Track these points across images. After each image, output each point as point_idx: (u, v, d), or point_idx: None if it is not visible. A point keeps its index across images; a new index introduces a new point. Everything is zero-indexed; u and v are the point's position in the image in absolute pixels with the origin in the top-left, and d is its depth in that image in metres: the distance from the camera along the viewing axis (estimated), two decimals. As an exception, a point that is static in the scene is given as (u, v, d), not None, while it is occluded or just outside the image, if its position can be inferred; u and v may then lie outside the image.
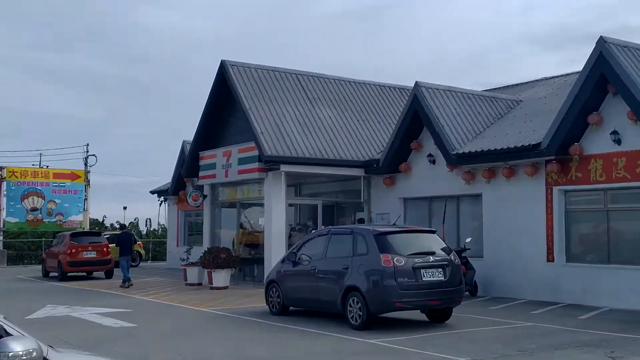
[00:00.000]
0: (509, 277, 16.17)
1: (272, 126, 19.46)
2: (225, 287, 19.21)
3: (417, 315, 12.53)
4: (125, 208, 69.29)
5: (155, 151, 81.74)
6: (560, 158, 15.01)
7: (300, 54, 69.58)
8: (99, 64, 69.55)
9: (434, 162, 18.34)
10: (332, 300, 11.95)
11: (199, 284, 20.53)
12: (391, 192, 19.78)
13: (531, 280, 15.66)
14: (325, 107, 21.23)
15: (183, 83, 78.54)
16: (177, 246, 30.82)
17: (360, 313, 11.27)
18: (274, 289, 13.57)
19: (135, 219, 42.55)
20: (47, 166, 37.80)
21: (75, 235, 24.96)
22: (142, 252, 33.18)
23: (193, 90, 79.98)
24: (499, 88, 23.55)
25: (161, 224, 42.14)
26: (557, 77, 21.36)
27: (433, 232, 12.41)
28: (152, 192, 32.84)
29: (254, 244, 21.36)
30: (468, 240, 16.45)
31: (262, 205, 20.83)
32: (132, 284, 20.43)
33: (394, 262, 11.07)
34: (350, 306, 11.48)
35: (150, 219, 39.48)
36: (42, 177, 35.10)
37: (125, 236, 21.31)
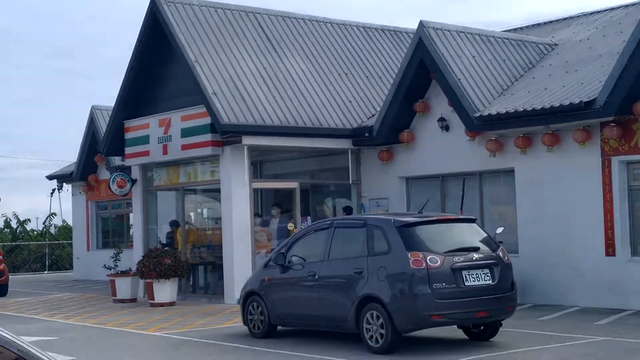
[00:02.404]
0: (554, 277, 16.37)
1: (227, 85, 19.15)
2: (172, 303, 18.97)
3: (451, 332, 12.56)
4: (-3, 200, 67.49)
5: (42, 120, 79.75)
6: (622, 119, 15.19)
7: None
8: None
9: (447, 128, 18.38)
10: (341, 315, 11.86)
11: (133, 300, 20.21)
12: (389, 169, 19.77)
13: (585, 281, 15.89)
14: (295, 58, 21.01)
15: (84, 23, 76.78)
16: (88, 250, 30.32)
17: (383, 332, 11.21)
18: (254, 304, 13.40)
19: (11, 216, 41.16)
20: None
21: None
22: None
23: (105, 34, 78.22)
24: (521, 28, 23.73)
25: (62, 220, 41.14)
26: (598, 12, 21.63)
27: (473, 220, 12.44)
28: (51, 178, 32.08)
29: (207, 245, 21.09)
30: (499, 230, 16.49)
31: (216, 191, 20.57)
32: None
33: (426, 262, 11.02)
34: (368, 323, 11.41)
35: (54, 213, 38.42)
36: None
37: None
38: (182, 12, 20.09)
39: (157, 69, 20.79)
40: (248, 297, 13.59)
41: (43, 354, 3.19)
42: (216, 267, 20.65)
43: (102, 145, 22.69)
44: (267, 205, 21.75)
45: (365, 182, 20.45)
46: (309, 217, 20.41)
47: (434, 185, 19.14)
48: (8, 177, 68.48)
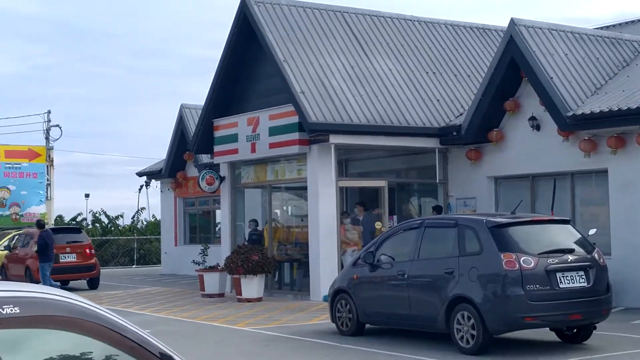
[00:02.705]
0: (648, 280, 15.94)
1: (315, 84, 19.25)
2: (259, 299, 19.17)
3: (543, 334, 12.36)
4: (87, 196, 69.24)
5: (127, 118, 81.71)
6: None
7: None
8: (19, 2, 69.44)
9: (538, 127, 18.08)
10: (431, 315, 11.81)
11: (221, 295, 20.50)
12: (477, 169, 19.56)
13: (681, 285, 15.42)
14: (383, 57, 20.97)
15: (173, 26, 78.43)
16: (176, 245, 30.85)
17: (474, 332, 11.12)
18: (343, 302, 13.44)
19: (100, 212, 42.35)
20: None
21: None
22: None
23: (194, 37, 79.71)
24: (614, 26, 23.17)
25: (152, 215, 42.10)
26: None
27: (567, 221, 12.25)
28: (141, 175, 32.77)
29: (293, 242, 21.24)
30: (592, 232, 16.14)
31: (301, 188, 20.69)
32: None
33: (520, 263, 10.88)
34: (459, 323, 11.32)
35: (142, 208, 39.36)
36: (-10, 156, 35.09)
37: (46, 236, 21.52)
38: (271, 11, 20.28)
39: (246, 68, 21.03)
40: (336, 295, 13.64)
41: (160, 343, 3.16)
42: (302, 264, 20.79)
43: (192, 143, 23.08)
44: (351, 203, 21.76)
45: (453, 181, 20.27)
46: (395, 216, 20.35)
47: (523, 186, 18.85)
48: (96, 173, 70.44)
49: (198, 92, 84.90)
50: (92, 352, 3.02)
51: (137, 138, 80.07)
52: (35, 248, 22.32)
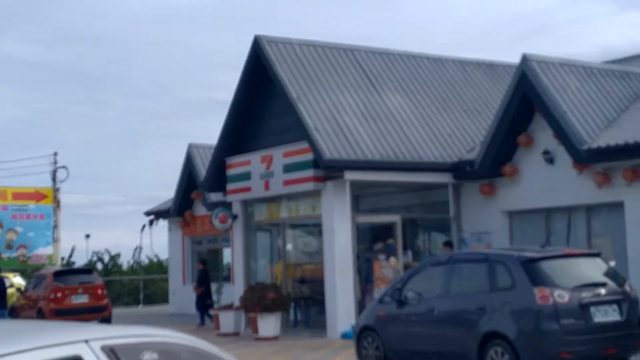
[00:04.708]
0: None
1: (328, 120, 19.21)
2: (276, 337, 18.93)
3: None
4: (88, 236, 68.87)
5: (124, 161, 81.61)
6: None
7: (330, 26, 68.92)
8: (27, 49, 69.56)
9: (551, 161, 18.03)
10: (462, 352, 11.66)
11: (236, 334, 20.25)
12: (490, 203, 19.46)
13: None
14: (394, 93, 20.99)
15: (168, 68, 78.59)
16: (184, 284, 30.57)
17: (508, 368, 10.95)
18: (369, 339, 13.27)
19: (112, 251, 42.12)
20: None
21: (60, 274, 24.74)
22: None
23: (192, 79, 79.89)
24: (619, 60, 23.24)
25: (154, 254, 41.82)
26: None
27: (598, 255, 12.13)
28: (148, 214, 32.57)
29: (307, 279, 21.06)
30: (612, 264, 16.09)
31: (314, 225, 20.56)
32: None
33: (554, 297, 10.77)
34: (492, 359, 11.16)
35: (140, 247, 39.20)
36: (-3, 198, 34.90)
37: (2, 281, 21.60)
38: (283, 50, 20.30)
39: (258, 106, 21.00)
40: (362, 332, 13.47)
41: None
42: (315, 301, 20.59)
43: (204, 182, 22.96)
44: (363, 239, 21.59)
45: (466, 216, 20.16)
46: (409, 252, 20.22)
47: (537, 219, 18.75)
48: (93, 214, 70.08)
49: (197, 133, 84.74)
50: None
51: (132, 179, 79.83)
52: None
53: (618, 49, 63.78)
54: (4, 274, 30.10)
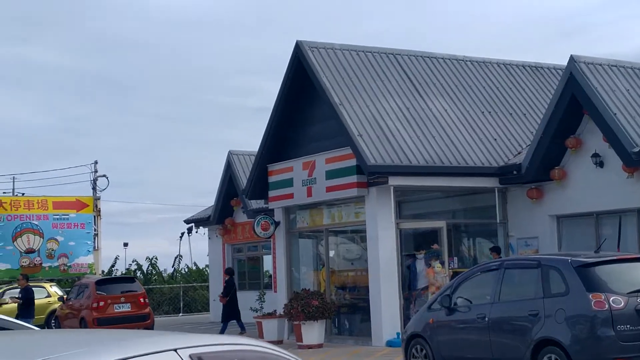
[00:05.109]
0: None
1: (371, 126, 19.16)
2: (320, 345, 18.90)
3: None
4: (126, 245, 69.42)
5: (169, 168, 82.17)
6: None
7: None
8: (51, 56, 70.15)
9: (601, 164, 17.79)
10: (515, 358, 11.52)
11: (280, 342, 20.21)
12: (538, 207, 19.25)
13: None
14: (437, 97, 20.87)
15: (208, 76, 79.09)
16: (225, 292, 30.61)
17: (563, 375, 10.79)
18: (418, 347, 13.17)
19: (153, 258, 42.50)
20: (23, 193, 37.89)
21: (102, 282, 24.94)
22: None
23: (221, 84, 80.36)
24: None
25: (193, 262, 42.11)
26: None
27: (653, 259, 11.90)
28: (188, 222, 32.78)
29: (351, 287, 20.99)
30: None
31: (355, 232, 20.51)
32: None
33: (609, 303, 10.59)
34: (546, 367, 11.00)
35: (180, 255, 39.53)
36: (38, 207, 35.31)
37: (29, 291, 20.62)
38: (325, 56, 20.30)
39: (300, 112, 21.02)
40: (411, 340, 13.37)
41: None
42: (359, 308, 20.52)
43: (246, 189, 23.00)
44: (407, 245, 21.47)
45: (513, 221, 19.95)
46: (455, 258, 20.06)
47: (587, 224, 18.50)
48: (129, 222, 70.73)
49: (229, 139, 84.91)
50: None
51: (168, 187, 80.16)
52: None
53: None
54: (41, 284, 30.72)
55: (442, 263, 19.09)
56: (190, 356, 2.79)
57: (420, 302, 18.32)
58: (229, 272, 25.57)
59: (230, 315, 23.64)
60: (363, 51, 21.08)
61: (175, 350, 2.80)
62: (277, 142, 21.60)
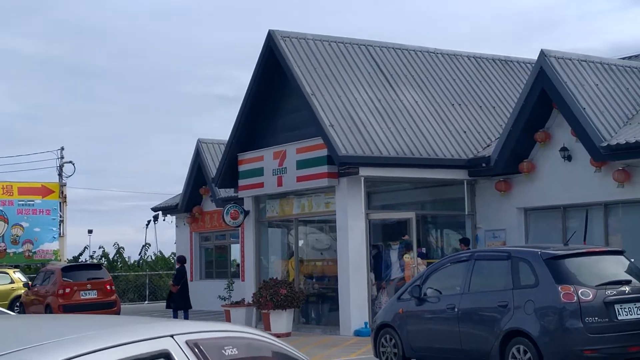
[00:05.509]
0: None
1: (343, 116, 19.23)
2: (288, 334, 18.97)
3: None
4: (90, 232, 68.81)
5: (136, 156, 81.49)
6: None
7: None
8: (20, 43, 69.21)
9: (569, 158, 18.04)
10: (483, 349, 11.65)
11: (248, 331, 20.22)
12: (506, 200, 19.48)
13: None
14: (408, 89, 20.99)
15: (169, 63, 78.40)
16: (192, 280, 30.55)
17: (530, 366, 10.95)
18: (387, 336, 13.27)
19: (120, 246, 42.25)
20: None
21: (68, 269, 24.79)
22: None
23: (191, 74, 79.86)
24: (636, 56, 23.23)
25: (159, 250, 41.92)
26: None
27: (621, 252, 12.13)
28: (156, 210, 32.64)
29: (320, 276, 21.09)
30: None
31: (324, 222, 20.59)
32: None
33: (578, 295, 10.77)
34: (514, 358, 11.17)
35: (148, 244, 39.36)
36: (3, 193, 34.93)
37: None
38: (297, 46, 20.31)
39: (271, 102, 21.02)
40: (380, 330, 13.46)
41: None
42: (327, 298, 20.63)
43: (216, 178, 22.97)
44: (376, 236, 21.60)
45: (481, 213, 20.18)
46: (423, 249, 20.24)
47: (554, 217, 18.77)
48: (94, 209, 70.16)
49: (197, 128, 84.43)
50: None
51: (135, 174, 79.45)
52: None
53: (626, 45, 63.81)
54: (5, 270, 30.50)
55: (416, 254, 19.23)
56: (186, 342, 2.83)
57: (388, 291, 18.50)
58: (180, 259, 24.32)
59: (181, 304, 22.39)
60: (335, 42, 21.11)
61: (171, 336, 2.83)
62: (248, 131, 21.59)
